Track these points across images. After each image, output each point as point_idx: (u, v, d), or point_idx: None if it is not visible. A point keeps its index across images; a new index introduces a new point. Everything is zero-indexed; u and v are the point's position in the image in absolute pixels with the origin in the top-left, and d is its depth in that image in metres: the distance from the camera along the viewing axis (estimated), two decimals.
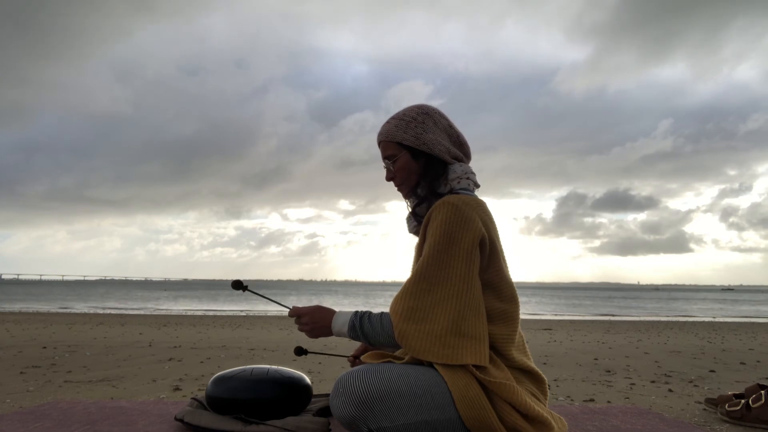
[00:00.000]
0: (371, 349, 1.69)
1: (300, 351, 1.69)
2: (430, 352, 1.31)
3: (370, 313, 1.43)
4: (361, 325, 1.41)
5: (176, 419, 1.69)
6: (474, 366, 1.31)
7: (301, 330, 1.50)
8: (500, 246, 1.45)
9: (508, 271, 1.45)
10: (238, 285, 1.66)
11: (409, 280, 1.38)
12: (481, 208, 1.42)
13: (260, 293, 1.74)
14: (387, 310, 1.40)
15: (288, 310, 1.53)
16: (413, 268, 1.52)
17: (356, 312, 1.44)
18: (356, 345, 1.68)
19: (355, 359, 1.72)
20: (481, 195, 1.54)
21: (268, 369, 1.70)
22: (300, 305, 1.53)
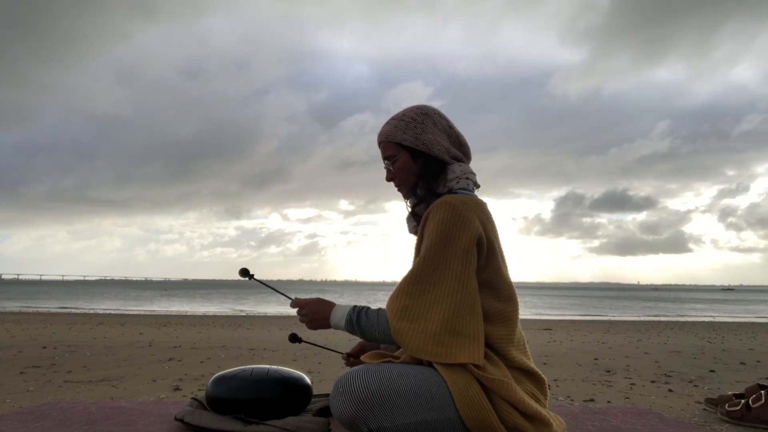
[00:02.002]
0: (369, 348, 1.69)
1: (294, 338, 1.71)
2: (424, 351, 1.31)
3: (368, 308, 1.43)
4: (358, 319, 1.41)
5: (176, 419, 1.70)
6: (466, 364, 1.31)
7: (301, 321, 1.52)
8: (499, 246, 1.45)
9: (506, 271, 1.45)
10: (245, 273, 1.67)
11: (405, 279, 1.38)
12: (480, 207, 1.42)
13: (265, 282, 1.76)
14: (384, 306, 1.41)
15: (291, 300, 1.55)
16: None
17: (354, 306, 1.45)
18: (356, 342, 1.70)
19: (349, 357, 1.72)
20: (481, 195, 1.54)
21: (268, 369, 1.71)
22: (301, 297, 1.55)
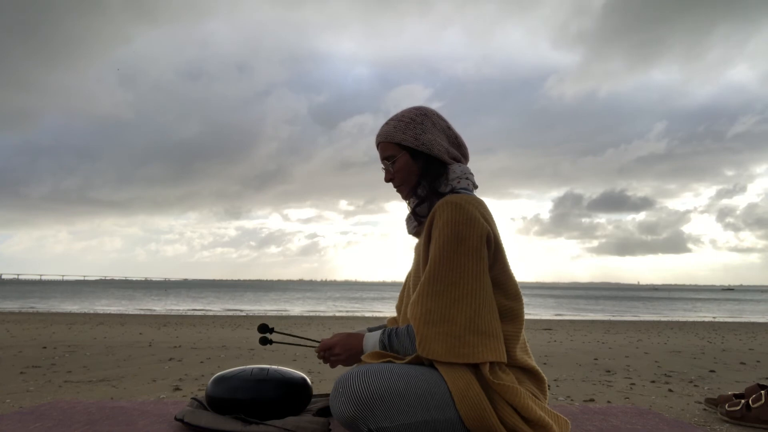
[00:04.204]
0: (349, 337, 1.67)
1: (265, 341, 1.67)
2: (451, 353, 1.30)
3: (397, 328, 1.44)
4: (390, 342, 1.42)
5: (176, 419, 1.69)
6: (481, 366, 1.31)
7: (335, 361, 1.50)
8: (502, 244, 1.46)
9: (511, 269, 1.45)
10: (264, 330, 1.67)
11: (423, 283, 1.37)
12: (482, 206, 1.43)
13: (287, 334, 1.74)
14: (389, 311, 1.41)
15: (316, 344, 1.53)
16: (414, 269, 1.52)
17: (383, 330, 1.45)
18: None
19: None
20: (481, 195, 1.54)
21: (268, 369, 1.70)
22: (326, 336, 1.54)
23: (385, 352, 1.43)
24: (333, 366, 1.53)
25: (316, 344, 1.54)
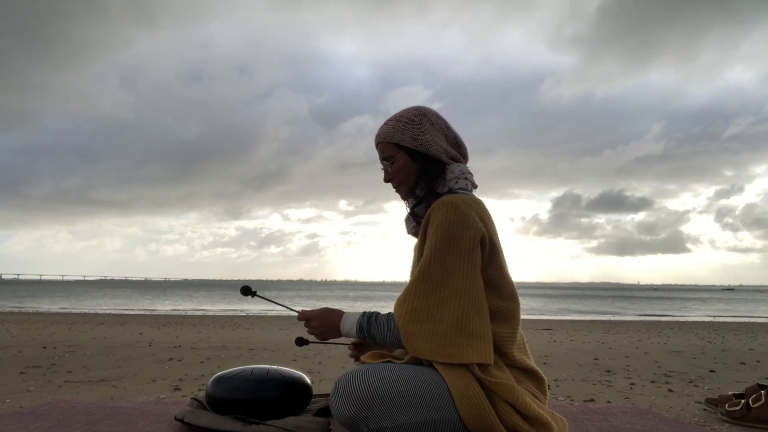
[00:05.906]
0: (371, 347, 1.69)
1: (301, 342, 1.68)
2: (435, 352, 1.30)
3: (378, 313, 1.43)
4: (369, 326, 1.41)
5: (176, 419, 1.70)
6: (477, 366, 1.31)
7: (310, 333, 1.51)
8: (499, 245, 1.45)
9: (507, 270, 1.45)
10: (246, 291, 1.67)
11: (412, 281, 1.37)
12: (480, 206, 1.42)
13: (269, 298, 1.74)
14: (388, 311, 1.40)
15: (296, 314, 1.54)
16: (413, 269, 1.52)
17: (364, 313, 1.44)
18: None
19: (356, 347, 1.71)
20: (480, 196, 1.54)
21: (268, 369, 1.71)
22: (307, 308, 1.55)
23: (384, 351, 1.43)
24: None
25: (296, 312, 1.56)
